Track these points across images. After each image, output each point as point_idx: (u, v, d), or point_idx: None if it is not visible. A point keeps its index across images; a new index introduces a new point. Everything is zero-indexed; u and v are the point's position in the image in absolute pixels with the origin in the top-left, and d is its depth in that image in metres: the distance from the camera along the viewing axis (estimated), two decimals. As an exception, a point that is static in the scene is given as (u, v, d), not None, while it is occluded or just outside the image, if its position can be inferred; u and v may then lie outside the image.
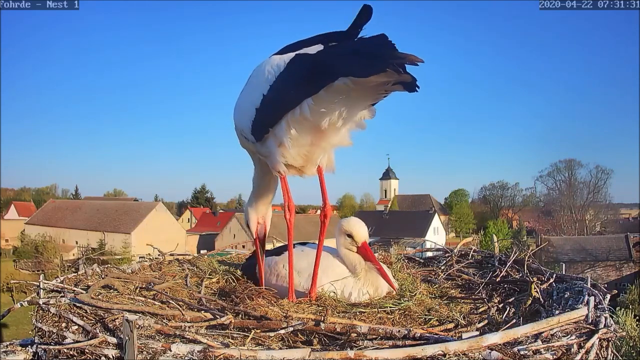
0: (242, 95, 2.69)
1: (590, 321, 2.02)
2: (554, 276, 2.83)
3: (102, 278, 2.80)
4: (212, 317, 2.19)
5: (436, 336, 1.92)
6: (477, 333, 1.93)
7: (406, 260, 3.71)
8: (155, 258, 3.66)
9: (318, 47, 2.31)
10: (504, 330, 1.90)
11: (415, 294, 2.71)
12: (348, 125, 2.45)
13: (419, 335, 1.92)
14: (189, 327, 2.07)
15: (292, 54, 2.35)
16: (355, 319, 2.30)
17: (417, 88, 2.04)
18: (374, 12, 2.25)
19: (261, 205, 3.06)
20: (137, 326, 1.89)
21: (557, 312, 2.23)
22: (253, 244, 3.09)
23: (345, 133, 2.51)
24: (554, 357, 1.80)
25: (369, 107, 2.42)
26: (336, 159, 2.71)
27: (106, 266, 3.33)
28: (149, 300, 2.53)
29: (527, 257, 3.13)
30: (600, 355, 1.97)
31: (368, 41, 2.14)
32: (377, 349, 1.83)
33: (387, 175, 72.32)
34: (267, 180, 2.96)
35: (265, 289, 2.77)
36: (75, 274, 3.00)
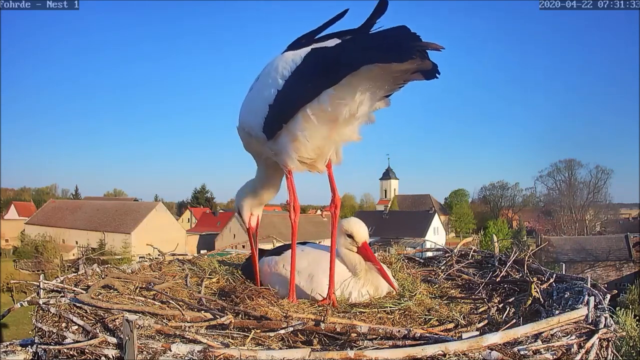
0: (251, 94, 2.67)
1: (590, 321, 2.02)
2: (554, 276, 2.83)
3: (102, 278, 2.80)
4: (212, 317, 2.19)
5: (436, 336, 1.92)
6: (477, 333, 1.92)
7: (406, 260, 3.71)
8: (155, 258, 3.66)
9: (335, 42, 2.31)
10: (504, 330, 1.90)
11: (415, 294, 2.71)
12: (363, 118, 2.45)
13: (419, 335, 1.92)
14: (189, 327, 2.07)
15: (307, 49, 2.35)
16: (355, 319, 2.30)
17: (437, 75, 2.08)
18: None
19: (257, 203, 3.07)
20: (137, 326, 1.89)
21: (557, 312, 2.23)
22: (248, 238, 3.11)
23: (356, 127, 2.52)
24: (554, 357, 1.79)
25: (384, 98, 2.43)
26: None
27: (106, 266, 3.32)
28: (149, 300, 2.53)
29: (527, 257, 3.13)
30: (600, 355, 1.97)
31: (392, 31, 2.14)
32: (377, 349, 1.82)
33: (387, 175, 72.34)
34: (271, 185, 2.97)
35: (265, 289, 2.77)
36: (75, 274, 2.99)
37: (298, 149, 2.48)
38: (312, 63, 2.30)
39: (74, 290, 2.52)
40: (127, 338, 1.76)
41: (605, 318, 2.06)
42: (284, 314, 2.24)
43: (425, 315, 2.42)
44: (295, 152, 2.49)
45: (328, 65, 2.22)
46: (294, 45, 2.47)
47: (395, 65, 2.09)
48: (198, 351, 1.76)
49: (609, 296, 2.44)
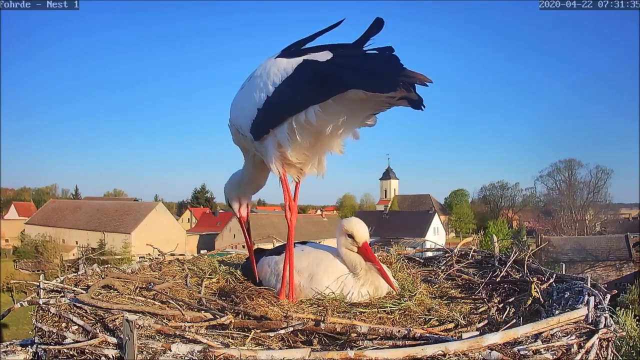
0: (242, 93, 2.69)
1: (590, 321, 2.02)
2: (554, 276, 2.83)
3: (102, 278, 2.80)
4: (212, 317, 2.19)
5: (436, 336, 1.92)
6: (477, 333, 1.92)
7: (406, 260, 3.71)
8: (155, 258, 3.66)
9: (327, 55, 2.31)
10: (504, 330, 1.90)
11: (415, 294, 2.71)
12: (347, 133, 2.53)
13: (419, 335, 1.92)
14: (189, 327, 2.07)
15: (300, 59, 2.36)
16: (355, 319, 2.30)
17: (422, 107, 2.10)
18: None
19: (243, 195, 3.14)
20: (137, 326, 1.89)
21: (557, 312, 2.23)
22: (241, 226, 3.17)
23: (341, 141, 2.58)
24: (554, 357, 1.79)
25: (371, 116, 2.48)
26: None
27: (106, 266, 3.33)
28: (149, 300, 2.53)
29: (527, 257, 3.13)
30: (600, 355, 1.97)
31: (378, 56, 2.18)
32: (377, 349, 1.82)
33: (387, 175, 72.33)
34: (257, 180, 3.05)
35: (265, 289, 2.77)
36: (75, 274, 3.00)
37: (283, 154, 2.55)
38: (301, 77, 2.33)
39: (74, 290, 2.52)
40: (127, 338, 1.76)
41: (605, 318, 2.06)
42: (284, 314, 2.24)
43: (425, 315, 2.42)
44: (280, 156, 2.57)
45: (317, 83, 2.26)
46: (288, 52, 2.48)
47: (380, 94, 2.14)
48: (198, 351, 1.76)
49: (609, 296, 2.44)
